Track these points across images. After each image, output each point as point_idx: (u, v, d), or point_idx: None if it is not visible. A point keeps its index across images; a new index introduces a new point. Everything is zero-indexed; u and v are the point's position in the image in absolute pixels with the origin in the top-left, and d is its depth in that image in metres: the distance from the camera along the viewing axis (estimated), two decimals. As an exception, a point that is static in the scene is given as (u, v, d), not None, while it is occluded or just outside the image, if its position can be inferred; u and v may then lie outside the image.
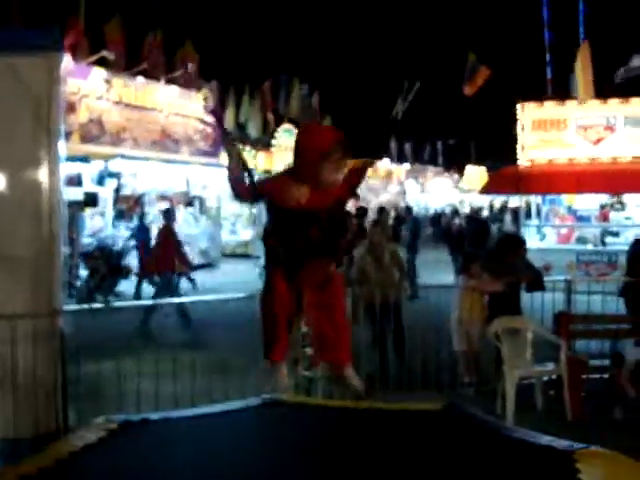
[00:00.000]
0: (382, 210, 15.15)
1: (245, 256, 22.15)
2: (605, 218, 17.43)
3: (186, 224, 21.09)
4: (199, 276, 17.48)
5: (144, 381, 6.42)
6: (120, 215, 19.34)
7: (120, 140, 20.18)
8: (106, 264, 14.53)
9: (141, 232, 15.63)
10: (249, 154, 28.24)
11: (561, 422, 6.42)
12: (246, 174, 3.76)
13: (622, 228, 16.87)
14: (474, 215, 20.22)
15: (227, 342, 9.01)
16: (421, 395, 6.84)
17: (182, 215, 21.33)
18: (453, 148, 52.99)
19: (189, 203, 22.62)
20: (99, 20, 20.96)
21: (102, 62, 20.01)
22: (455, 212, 28.02)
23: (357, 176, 3.87)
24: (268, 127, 31.66)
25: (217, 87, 25.61)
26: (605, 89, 17.24)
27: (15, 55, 5.65)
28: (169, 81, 22.73)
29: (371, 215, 16.07)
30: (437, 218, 34.52)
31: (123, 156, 19.11)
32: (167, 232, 11.54)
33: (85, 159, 17.32)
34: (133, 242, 15.80)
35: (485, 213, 42.77)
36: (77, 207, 16.48)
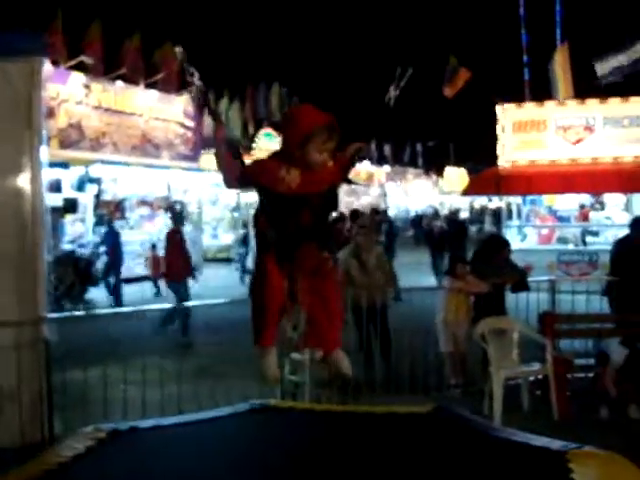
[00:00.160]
0: (376, 212, 15.17)
1: (227, 260, 22.07)
2: (585, 218, 17.57)
3: (166, 229, 20.96)
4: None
5: (130, 388, 6.36)
6: (101, 221, 19.21)
7: (100, 145, 20.05)
8: (75, 271, 14.33)
9: (110, 237, 15.44)
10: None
11: (548, 422, 6.45)
12: (236, 160, 3.70)
13: (602, 228, 17.00)
14: (452, 217, 20.31)
15: (212, 347, 8.99)
16: (408, 398, 6.84)
17: (162, 220, 21.23)
18: (433, 150, 53.21)
19: (170, 208, 22.49)
20: (77, 24, 20.80)
21: (81, 67, 19.86)
22: (436, 214, 28.11)
23: (348, 158, 3.83)
24: (248, 131, 31.59)
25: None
26: (585, 89, 17.38)
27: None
28: (149, 85, 22.61)
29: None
30: (418, 220, 34.61)
31: (103, 161, 18.98)
32: (174, 235, 11.44)
33: (65, 165, 17.19)
34: (103, 248, 15.59)
35: (465, 215, 43.07)
36: (57, 213, 16.34)
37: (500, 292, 7.69)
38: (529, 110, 17.21)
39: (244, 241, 18.15)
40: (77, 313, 9.30)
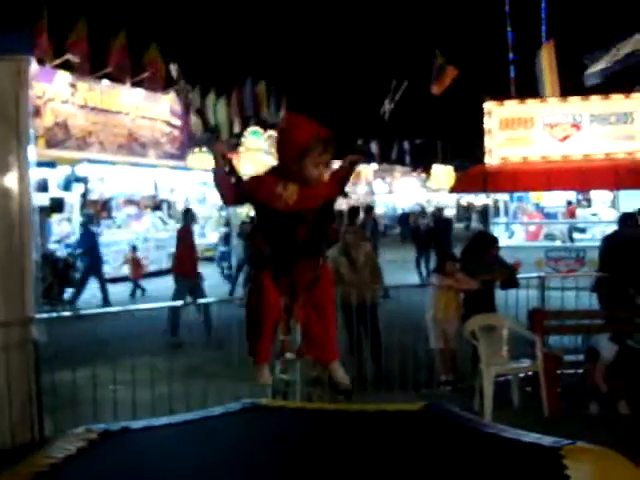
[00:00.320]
0: (370, 209, 15.17)
1: (214, 259, 21.98)
2: (572, 215, 17.65)
3: (154, 228, 20.91)
4: (169, 281, 17.34)
5: (120, 389, 6.32)
6: (88, 220, 19.10)
7: (86, 144, 19.95)
8: (53, 272, 14.21)
9: (87, 237, 15.32)
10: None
11: (539, 418, 6.47)
12: (232, 175, 3.65)
13: (589, 224, 17.09)
14: (437, 214, 20.41)
15: (201, 346, 8.96)
16: (399, 395, 6.85)
17: (149, 219, 21.15)
18: (420, 148, 53.30)
19: (157, 207, 22.42)
20: (63, 23, 20.68)
21: (66, 66, 19.75)
22: (423, 212, 28.19)
23: (345, 172, 3.80)
24: (234, 128, 31.48)
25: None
26: (571, 86, 17.47)
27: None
28: (135, 84, 22.51)
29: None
30: (405, 218, 34.65)
31: (89, 160, 18.89)
32: (186, 233, 11.44)
33: (51, 164, 17.08)
34: (79, 249, 15.44)
35: (452, 212, 43.17)
36: (43, 213, 16.23)
37: (489, 289, 7.71)
38: (516, 107, 17.27)
39: (226, 240, 18.07)
40: (65, 313, 9.21)
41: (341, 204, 30.52)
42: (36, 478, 3.54)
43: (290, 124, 3.72)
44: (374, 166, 43.85)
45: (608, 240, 8.64)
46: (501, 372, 7.02)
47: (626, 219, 8.69)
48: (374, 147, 45.53)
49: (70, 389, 6.35)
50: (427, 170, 51.93)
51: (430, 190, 50.35)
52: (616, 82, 17.43)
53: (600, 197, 17.76)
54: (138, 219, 20.78)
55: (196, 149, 25.13)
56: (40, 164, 14.73)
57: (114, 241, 18.68)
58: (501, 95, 17.86)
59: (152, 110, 22.71)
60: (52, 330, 6.49)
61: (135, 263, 16.16)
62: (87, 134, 19.97)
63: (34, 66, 16.00)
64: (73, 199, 18.74)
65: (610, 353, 6.77)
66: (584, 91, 17.13)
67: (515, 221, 17.82)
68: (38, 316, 6.01)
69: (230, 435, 4.43)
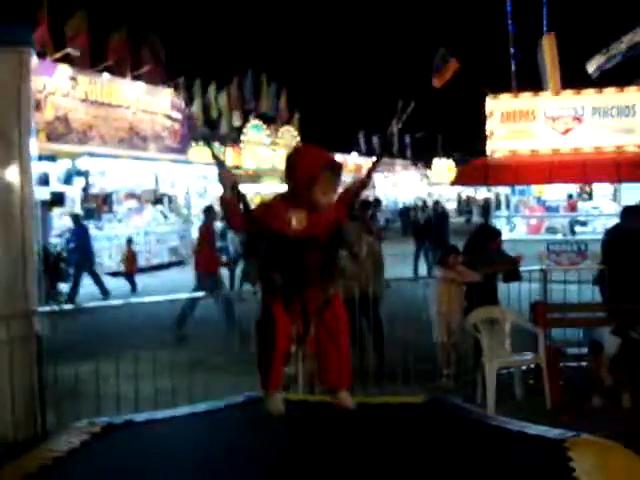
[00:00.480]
0: (370, 202, 15.10)
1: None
2: (573, 208, 17.62)
3: (155, 222, 20.91)
4: (170, 274, 17.39)
5: (122, 382, 6.31)
6: (89, 214, 19.09)
7: (87, 138, 19.92)
8: (43, 266, 14.12)
9: (78, 231, 15.23)
10: (218, 150, 28.06)
11: (541, 411, 6.46)
12: (241, 203, 3.69)
13: (590, 218, 17.08)
14: (434, 207, 20.43)
15: (201, 339, 8.95)
16: (401, 388, 6.84)
17: (151, 213, 21.13)
18: (421, 141, 53.24)
19: (158, 200, 22.40)
20: (63, 16, 20.61)
21: (67, 59, 19.70)
22: (424, 205, 28.19)
23: (352, 195, 3.84)
24: (233, 121, 31.39)
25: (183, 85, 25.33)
26: (573, 78, 17.45)
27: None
28: (135, 77, 22.46)
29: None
30: (405, 211, 34.65)
31: (90, 154, 18.87)
32: (207, 231, 11.53)
33: (52, 158, 17.05)
34: (72, 244, 15.31)
35: (454, 206, 43.16)
36: (44, 207, 16.20)
37: (492, 282, 7.69)
38: (518, 100, 17.23)
39: (222, 235, 18.02)
40: (67, 306, 9.20)
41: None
42: (40, 471, 3.54)
43: (299, 154, 3.78)
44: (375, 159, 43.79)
45: (610, 233, 8.60)
46: (504, 365, 7.01)
47: (628, 212, 8.65)
48: (375, 141, 45.54)
49: (73, 382, 6.35)
50: (428, 164, 51.89)
51: (431, 184, 50.33)
52: (618, 74, 17.40)
53: (601, 190, 17.72)
54: (139, 213, 20.77)
55: (197, 143, 25.08)
56: (41, 158, 14.75)
57: (115, 235, 18.69)
58: (502, 88, 17.83)
59: (153, 104, 22.67)
60: (55, 324, 6.50)
61: (130, 257, 16.04)
62: (88, 128, 19.94)
63: (34, 59, 16.00)
64: (74, 193, 18.72)
65: (613, 346, 6.76)
66: (586, 84, 17.10)
67: (516, 215, 17.81)
68: (40, 309, 6.01)
69: (232, 428, 4.44)
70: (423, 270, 16.43)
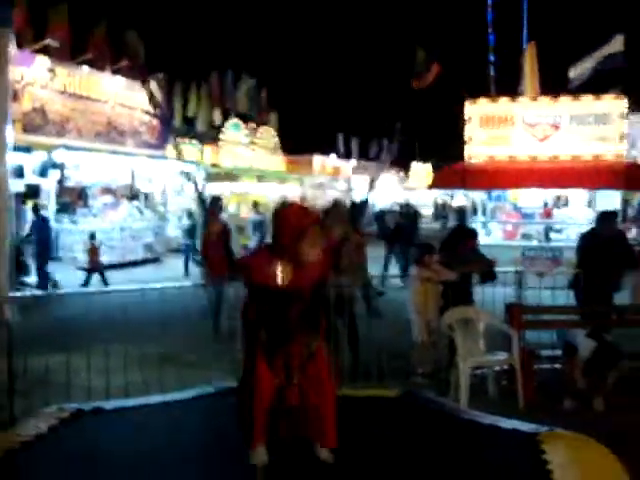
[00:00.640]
0: (365, 205, 15.02)
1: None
2: (548, 215, 17.77)
3: (131, 218, 20.72)
4: (144, 271, 17.22)
5: (93, 373, 6.22)
6: (64, 208, 18.88)
7: (64, 130, 19.73)
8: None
9: (38, 223, 14.89)
10: (195, 148, 27.92)
11: (513, 411, 6.45)
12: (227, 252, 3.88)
13: (565, 225, 17.22)
14: (405, 210, 20.48)
15: (173, 334, 8.87)
16: (376, 386, 6.81)
17: (126, 208, 20.94)
18: (399, 145, 53.26)
19: (134, 196, 22.22)
20: (43, 7, 20.40)
21: (46, 51, 19.49)
22: (404, 211, 28.21)
23: (334, 244, 4.06)
24: (214, 121, 31.29)
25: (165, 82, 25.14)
26: (552, 86, 17.60)
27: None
28: (115, 72, 22.29)
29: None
30: (381, 216, 34.59)
31: (67, 147, 18.66)
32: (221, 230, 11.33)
33: (27, 149, 16.83)
34: (33, 236, 14.90)
35: (430, 211, 43.29)
36: (19, 199, 15.97)
37: (467, 282, 7.71)
38: (496, 105, 17.33)
39: (190, 233, 17.92)
40: (38, 293, 9.06)
41: (318, 197, 30.50)
42: (6, 455, 3.48)
43: (289, 208, 3.92)
44: (353, 162, 43.87)
45: (586, 238, 8.66)
46: (477, 364, 7.01)
47: (604, 217, 8.72)
48: (354, 143, 45.59)
49: (42, 372, 6.24)
50: (406, 168, 52.06)
51: (408, 188, 50.48)
52: (597, 84, 17.59)
53: (577, 198, 17.89)
54: (114, 208, 20.55)
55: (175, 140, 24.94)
56: (16, 149, 14.56)
57: (90, 230, 18.46)
58: (481, 94, 17.92)
59: (132, 99, 22.51)
60: (24, 312, 6.39)
61: (93, 252, 15.71)
62: (65, 120, 19.74)
63: (13, 48, 15.81)
64: (49, 186, 18.50)
65: (587, 349, 6.79)
66: (565, 93, 17.25)
67: (492, 220, 17.91)
68: (11, 295, 5.91)
69: (202, 417, 4.40)
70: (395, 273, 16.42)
